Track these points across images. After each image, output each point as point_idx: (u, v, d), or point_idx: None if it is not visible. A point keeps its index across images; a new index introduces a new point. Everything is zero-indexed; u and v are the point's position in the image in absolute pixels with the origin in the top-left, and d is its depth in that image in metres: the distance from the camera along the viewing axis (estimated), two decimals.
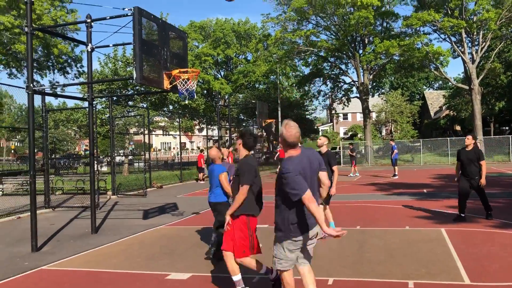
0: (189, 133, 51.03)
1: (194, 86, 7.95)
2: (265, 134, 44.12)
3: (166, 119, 54.00)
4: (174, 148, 79.68)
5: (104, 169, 34.25)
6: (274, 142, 42.38)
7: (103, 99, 26.45)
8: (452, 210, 10.25)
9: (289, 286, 3.97)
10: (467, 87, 32.41)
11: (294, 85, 44.59)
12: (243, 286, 4.85)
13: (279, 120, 35.47)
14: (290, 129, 3.75)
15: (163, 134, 64.96)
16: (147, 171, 19.63)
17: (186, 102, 9.76)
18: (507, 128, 50.24)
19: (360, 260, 6.32)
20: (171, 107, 38.12)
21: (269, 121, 27.25)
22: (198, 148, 36.88)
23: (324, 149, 7.81)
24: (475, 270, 5.58)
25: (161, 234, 8.96)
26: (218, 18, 43.49)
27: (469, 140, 8.61)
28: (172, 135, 53.74)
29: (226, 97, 41.46)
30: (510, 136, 32.03)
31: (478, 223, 8.70)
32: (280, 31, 33.30)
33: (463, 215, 8.89)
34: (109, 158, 31.61)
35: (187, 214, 11.46)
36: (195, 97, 16.05)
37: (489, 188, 14.73)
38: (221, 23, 41.55)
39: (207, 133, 30.73)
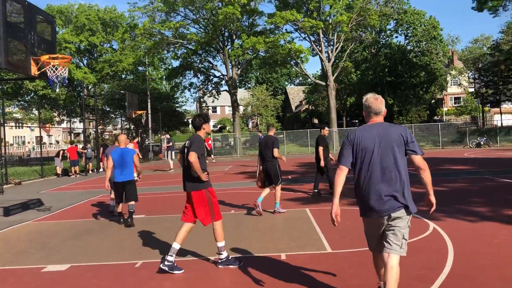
0: (49, 126, 47.15)
1: (65, 73, 7.63)
2: (133, 126, 42.86)
3: (19, 110, 49.05)
4: (29, 142, 73.00)
5: None
6: (144, 135, 41.39)
7: None
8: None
9: None
10: (324, 83, 35.54)
11: (163, 77, 44.04)
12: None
13: (149, 112, 34.83)
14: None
15: (16, 127, 59.00)
16: (3, 167, 17.85)
17: (57, 90, 9.23)
18: (356, 121, 56.27)
19: (239, 239, 6.81)
20: (26, 96, 34.96)
21: (139, 112, 26.66)
22: (57, 142, 34.30)
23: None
24: (335, 240, 6.43)
25: (29, 230, 8.42)
26: (80, 3, 40.67)
27: (327, 130, 11.24)
28: (29, 127, 49.11)
29: (90, 87, 39.24)
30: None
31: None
32: (148, 22, 32.64)
33: (316, 190, 10.93)
34: None
35: (55, 209, 10.84)
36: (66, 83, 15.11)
37: None
38: (84, 9, 39.07)
39: (70, 125, 28.84)
